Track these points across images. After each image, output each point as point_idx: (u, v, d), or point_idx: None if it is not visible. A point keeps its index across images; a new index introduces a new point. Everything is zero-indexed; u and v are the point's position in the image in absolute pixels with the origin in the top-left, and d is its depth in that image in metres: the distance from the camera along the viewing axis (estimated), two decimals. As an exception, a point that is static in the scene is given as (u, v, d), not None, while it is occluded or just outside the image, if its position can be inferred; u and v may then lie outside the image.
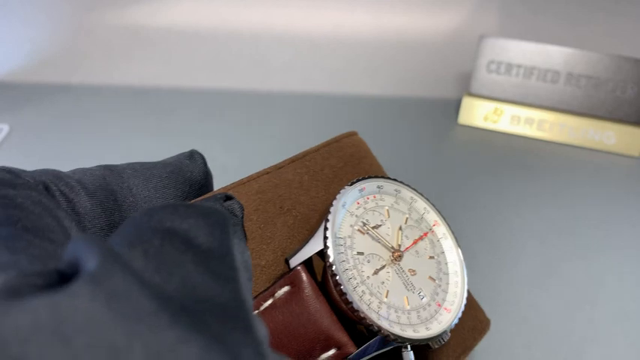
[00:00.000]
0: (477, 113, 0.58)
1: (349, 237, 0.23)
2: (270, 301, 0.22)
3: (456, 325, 0.25)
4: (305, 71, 0.67)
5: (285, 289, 0.22)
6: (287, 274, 0.23)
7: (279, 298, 0.22)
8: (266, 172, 0.26)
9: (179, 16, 0.71)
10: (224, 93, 0.63)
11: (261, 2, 0.72)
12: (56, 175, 0.20)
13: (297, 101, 0.62)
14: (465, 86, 0.66)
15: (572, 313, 0.36)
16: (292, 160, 0.27)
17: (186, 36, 0.70)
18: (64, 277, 0.13)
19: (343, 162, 0.28)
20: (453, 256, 0.26)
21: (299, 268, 0.22)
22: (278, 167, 0.26)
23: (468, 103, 0.58)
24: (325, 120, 0.59)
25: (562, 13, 0.70)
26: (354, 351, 0.22)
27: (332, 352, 0.22)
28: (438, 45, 0.71)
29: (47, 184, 0.19)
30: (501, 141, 0.56)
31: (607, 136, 0.56)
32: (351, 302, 0.21)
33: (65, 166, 0.47)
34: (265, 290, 0.22)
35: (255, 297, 0.22)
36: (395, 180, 0.26)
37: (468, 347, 0.27)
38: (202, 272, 0.14)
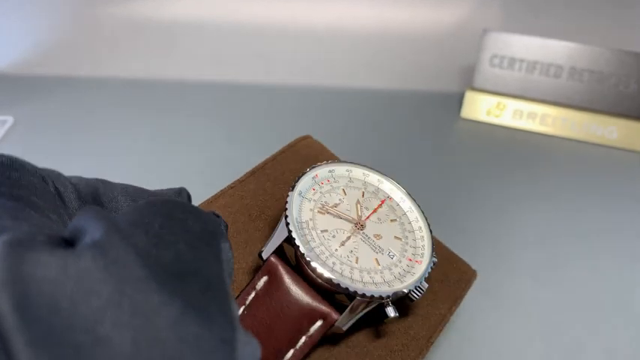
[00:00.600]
0: (480, 107, 0.58)
1: (311, 220, 0.25)
2: (252, 294, 0.24)
3: (433, 275, 0.28)
4: (307, 64, 0.67)
5: (264, 279, 0.24)
6: (262, 266, 0.24)
7: (260, 289, 0.24)
8: (230, 187, 0.28)
9: (183, 9, 0.71)
10: (227, 86, 0.64)
11: (264, -4, 0.72)
12: (55, 173, 0.21)
13: (299, 94, 0.62)
14: (468, 80, 0.66)
15: (573, 307, 0.36)
16: (253, 172, 0.29)
17: (190, 29, 0.70)
18: (68, 244, 0.15)
19: (301, 163, 0.31)
20: (414, 215, 0.27)
21: (271, 257, 0.24)
22: (241, 181, 0.29)
23: (470, 97, 0.58)
24: (328, 113, 0.59)
25: (566, 8, 0.70)
26: (338, 317, 0.23)
27: (319, 323, 0.23)
28: (441, 39, 0.71)
29: (45, 177, 0.20)
30: (504, 135, 0.56)
31: (609, 130, 0.56)
32: (322, 274, 0.23)
33: (69, 158, 0.47)
34: (247, 286, 0.24)
35: (238, 295, 0.24)
36: (345, 162, 0.28)
37: (458, 297, 0.29)
38: (193, 252, 0.16)
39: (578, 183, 0.50)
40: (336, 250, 0.24)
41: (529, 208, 0.46)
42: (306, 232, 0.24)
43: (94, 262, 0.14)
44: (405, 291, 0.24)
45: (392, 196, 0.28)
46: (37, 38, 0.68)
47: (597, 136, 0.56)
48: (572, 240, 0.42)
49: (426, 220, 0.27)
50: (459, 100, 0.62)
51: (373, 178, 0.28)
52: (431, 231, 0.27)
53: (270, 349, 0.23)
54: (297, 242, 0.23)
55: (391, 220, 0.27)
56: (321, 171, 0.27)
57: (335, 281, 0.23)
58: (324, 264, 0.23)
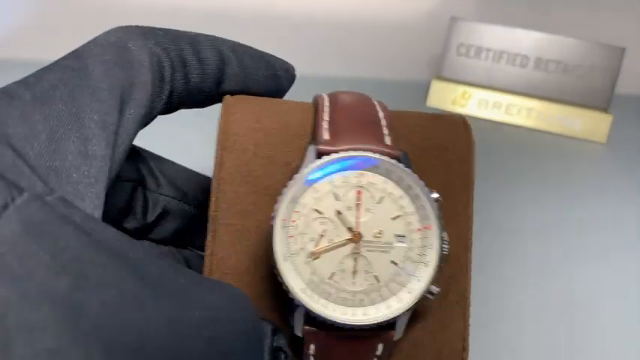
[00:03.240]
0: (446, 97, 0.58)
1: (311, 283, 0.23)
2: None
3: None
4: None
5: (312, 347, 0.24)
6: (304, 341, 0.23)
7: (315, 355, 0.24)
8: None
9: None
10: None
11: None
12: None
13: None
14: (437, 70, 0.65)
15: (543, 295, 0.36)
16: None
17: (163, 16, 0.69)
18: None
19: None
20: (395, 175, 0.23)
21: (305, 330, 0.23)
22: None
23: (436, 86, 0.58)
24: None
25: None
26: (394, 332, 0.23)
27: (380, 347, 0.24)
28: (411, 28, 0.71)
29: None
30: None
31: (574, 121, 0.56)
32: (365, 323, 0.23)
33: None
34: None
35: None
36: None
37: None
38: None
39: (540, 173, 0.50)
40: (354, 283, 0.23)
41: (489, 197, 0.46)
42: (317, 295, 0.22)
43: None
44: (436, 269, 0.23)
45: (363, 175, 0.23)
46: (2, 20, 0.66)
47: (562, 126, 0.56)
48: (528, 230, 0.42)
49: (412, 172, 0.23)
50: (426, 90, 0.62)
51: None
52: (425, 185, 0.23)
53: None
54: (323, 315, 0.22)
55: (378, 202, 0.23)
56: (282, 207, 0.23)
57: (376, 323, 0.22)
58: (357, 314, 0.22)
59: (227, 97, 0.26)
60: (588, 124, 0.56)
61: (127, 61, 0.22)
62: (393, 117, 0.26)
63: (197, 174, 0.31)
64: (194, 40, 0.25)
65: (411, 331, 0.25)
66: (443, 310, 0.26)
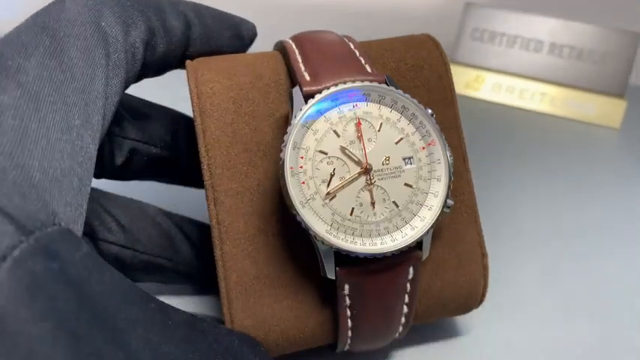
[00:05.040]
0: (459, 80, 0.58)
1: (331, 224, 0.23)
2: (347, 302, 0.24)
3: None
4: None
5: (347, 287, 0.24)
6: (336, 282, 0.23)
7: (350, 295, 0.24)
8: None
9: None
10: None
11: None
12: None
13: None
14: (451, 54, 0.65)
15: (546, 287, 0.36)
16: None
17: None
18: None
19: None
20: (389, 99, 0.24)
21: (337, 272, 0.23)
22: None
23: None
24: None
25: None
26: (421, 254, 0.24)
27: (411, 271, 0.24)
28: (426, 13, 0.71)
29: None
30: (482, 109, 0.56)
31: (587, 107, 0.56)
32: (391, 250, 0.23)
33: None
34: (337, 304, 0.24)
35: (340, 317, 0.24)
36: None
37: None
38: None
39: (553, 158, 0.50)
40: (375, 213, 0.23)
41: (503, 181, 0.46)
42: (342, 233, 0.22)
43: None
44: (448, 182, 0.23)
45: (357, 106, 0.23)
46: None
47: (575, 112, 0.56)
48: (544, 214, 0.42)
49: (403, 92, 0.23)
50: (440, 75, 0.62)
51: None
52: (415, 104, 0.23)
53: (393, 318, 0.24)
54: (354, 250, 0.22)
55: (378, 129, 0.23)
56: (287, 156, 0.22)
57: (406, 246, 0.22)
58: (386, 242, 0.23)
59: (189, 62, 0.26)
60: (602, 110, 0.56)
61: (103, 46, 0.22)
62: (364, 47, 0.26)
63: (161, 109, 0.29)
64: (159, 6, 0.25)
65: (431, 251, 0.25)
66: (455, 223, 0.26)
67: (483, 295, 0.27)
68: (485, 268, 0.27)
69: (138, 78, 0.25)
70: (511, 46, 0.57)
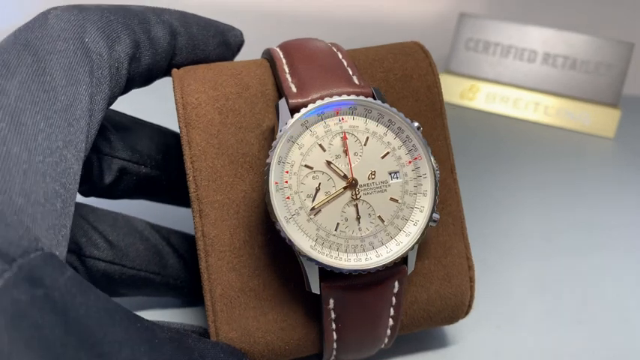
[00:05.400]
0: (454, 90, 0.58)
1: (316, 239, 0.23)
2: (333, 316, 0.24)
3: None
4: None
5: (332, 302, 0.24)
6: (320, 296, 0.23)
7: (335, 309, 0.24)
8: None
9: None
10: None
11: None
12: None
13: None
14: (445, 64, 0.66)
15: (541, 291, 0.36)
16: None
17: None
18: None
19: None
20: (375, 113, 0.23)
21: (322, 287, 0.23)
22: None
23: (445, 79, 0.58)
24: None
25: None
26: (406, 268, 0.24)
27: (397, 285, 0.24)
28: (421, 25, 0.71)
29: None
30: (476, 119, 0.56)
31: (582, 116, 0.56)
32: (378, 264, 0.23)
33: None
34: (323, 318, 0.24)
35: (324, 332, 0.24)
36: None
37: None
38: None
39: (548, 168, 0.50)
40: (360, 228, 0.22)
41: (497, 191, 0.46)
42: (327, 249, 0.22)
43: None
44: (434, 197, 0.23)
45: (344, 120, 0.23)
46: None
47: (570, 121, 0.56)
48: (536, 224, 0.42)
49: (390, 106, 0.23)
50: (435, 84, 0.62)
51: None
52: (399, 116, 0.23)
53: (378, 331, 0.24)
54: (338, 266, 0.22)
55: (364, 143, 0.23)
56: (272, 170, 0.22)
57: (391, 261, 0.22)
58: (371, 258, 0.22)
59: (175, 71, 0.25)
60: (597, 119, 0.56)
61: (87, 62, 0.21)
62: (351, 56, 0.26)
63: (153, 128, 0.29)
64: (143, 18, 0.24)
65: (417, 263, 0.25)
66: (442, 235, 0.26)
67: (469, 307, 0.27)
68: (471, 280, 0.27)
69: (123, 91, 0.24)
70: (505, 56, 0.58)
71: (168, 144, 0.29)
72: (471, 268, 0.27)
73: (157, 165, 0.28)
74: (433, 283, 0.26)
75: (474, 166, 0.48)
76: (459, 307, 0.27)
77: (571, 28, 0.58)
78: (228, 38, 0.27)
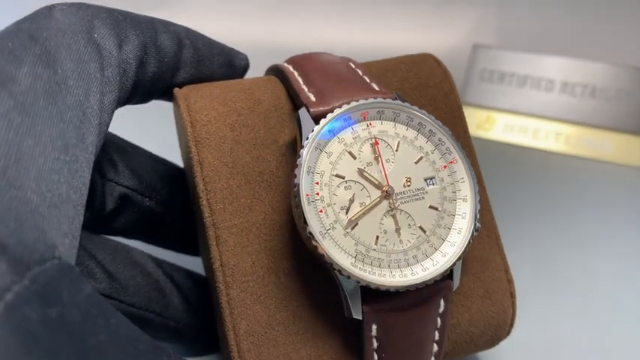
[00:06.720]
0: (470, 121, 0.56)
1: (356, 256, 0.20)
2: (375, 344, 0.21)
3: None
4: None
5: (374, 327, 0.21)
6: (363, 323, 0.21)
7: (378, 335, 0.21)
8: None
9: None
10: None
11: (257, 17, 0.72)
12: None
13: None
14: (460, 95, 0.65)
15: (568, 322, 0.34)
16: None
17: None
18: None
19: None
20: (404, 115, 0.22)
21: (364, 311, 0.21)
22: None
23: (460, 111, 0.57)
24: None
25: (556, 22, 0.69)
26: (452, 284, 0.22)
27: (442, 303, 0.22)
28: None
29: None
30: (495, 150, 0.55)
31: (604, 145, 0.54)
32: (421, 281, 0.21)
33: None
34: (363, 344, 0.21)
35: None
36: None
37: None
38: None
39: (571, 198, 0.48)
40: (401, 240, 0.20)
41: (520, 224, 0.44)
42: (368, 265, 0.20)
43: None
44: (475, 201, 0.21)
45: (372, 125, 0.21)
46: None
47: (591, 150, 0.55)
48: (565, 255, 0.40)
49: (420, 112, 0.22)
50: (450, 117, 0.61)
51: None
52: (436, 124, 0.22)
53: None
54: (384, 284, 0.20)
55: (396, 149, 0.21)
56: (302, 181, 0.20)
57: (440, 274, 0.20)
58: (417, 272, 0.20)
59: (177, 90, 0.23)
60: (620, 148, 0.54)
61: (97, 59, 0.19)
62: (365, 67, 0.24)
63: (160, 162, 0.27)
64: (151, 25, 0.23)
65: None
66: (477, 249, 0.24)
67: (511, 325, 0.25)
68: (512, 296, 0.24)
69: (126, 100, 0.23)
70: (521, 86, 0.57)
71: (172, 177, 0.27)
72: (510, 282, 0.24)
73: (161, 200, 0.26)
74: (474, 302, 0.23)
75: (495, 200, 0.47)
76: (502, 327, 0.24)
77: (587, 56, 0.57)
78: (234, 59, 0.26)
